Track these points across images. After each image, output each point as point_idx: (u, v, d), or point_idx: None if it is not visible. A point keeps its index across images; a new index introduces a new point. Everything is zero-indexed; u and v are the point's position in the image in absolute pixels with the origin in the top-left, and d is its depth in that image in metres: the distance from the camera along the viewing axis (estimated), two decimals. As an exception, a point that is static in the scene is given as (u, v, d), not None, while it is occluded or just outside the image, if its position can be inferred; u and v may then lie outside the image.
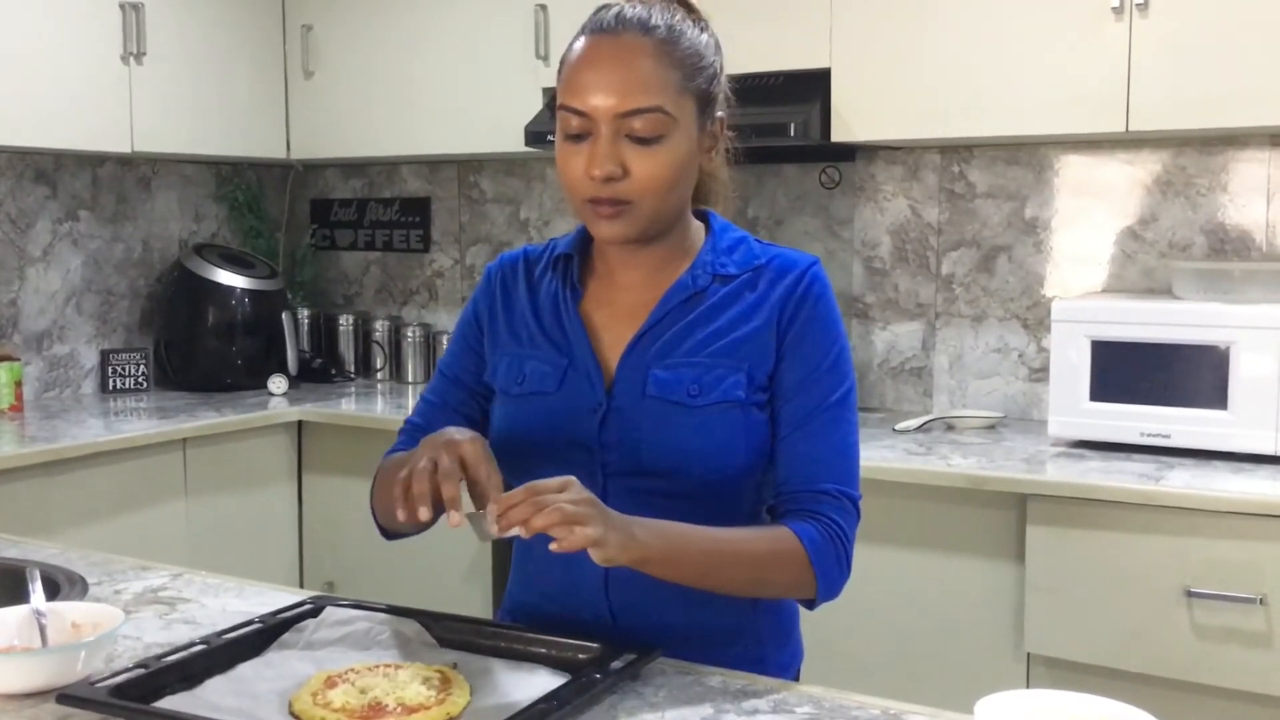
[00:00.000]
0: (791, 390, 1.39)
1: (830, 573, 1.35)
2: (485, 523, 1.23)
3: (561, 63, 1.39)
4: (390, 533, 1.49)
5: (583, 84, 1.34)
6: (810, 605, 1.40)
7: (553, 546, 1.20)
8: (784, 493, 1.39)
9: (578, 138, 1.35)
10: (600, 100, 1.32)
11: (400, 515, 1.25)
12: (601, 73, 1.33)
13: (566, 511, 1.19)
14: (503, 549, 3.10)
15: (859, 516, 1.40)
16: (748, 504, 1.44)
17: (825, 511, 1.36)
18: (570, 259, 1.48)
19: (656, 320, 1.42)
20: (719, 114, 1.42)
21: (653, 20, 1.36)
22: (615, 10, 1.38)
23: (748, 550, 1.33)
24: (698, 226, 1.48)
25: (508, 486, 1.25)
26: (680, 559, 1.30)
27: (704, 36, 1.40)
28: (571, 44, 1.39)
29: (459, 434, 1.28)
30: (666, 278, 1.44)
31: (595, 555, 1.22)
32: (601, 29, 1.36)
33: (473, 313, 1.55)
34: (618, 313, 1.45)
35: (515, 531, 1.21)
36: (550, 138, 1.59)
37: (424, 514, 1.24)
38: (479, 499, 1.26)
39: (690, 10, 1.42)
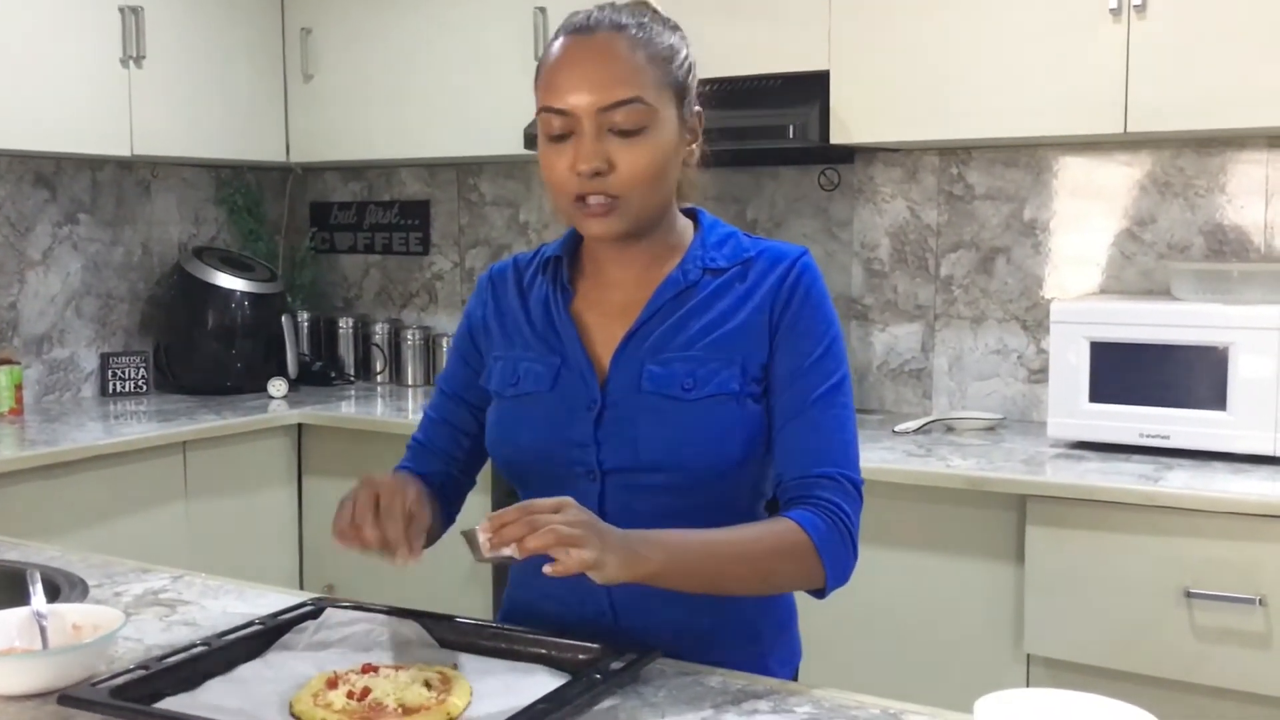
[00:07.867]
0: (786, 380, 1.39)
1: (838, 558, 1.35)
2: (479, 540, 1.21)
3: (539, 67, 1.41)
4: None
5: (561, 83, 1.36)
6: (820, 594, 1.38)
7: (547, 570, 1.19)
8: (784, 481, 1.39)
9: (560, 138, 1.37)
10: (580, 97, 1.34)
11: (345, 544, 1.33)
12: (579, 70, 1.36)
13: (561, 533, 1.18)
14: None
15: (862, 499, 1.39)
16: (745, 496, 1.45)
17: (826, 496, 1.36)
18: (559, 261, 1.49)
19: (649, 316, 1.43)
20: (696, 108, 1.44)
21: (623, 19, 1.39)
22: (586, 13, 1.41)
23: (752, 549, 1.33)
24: (685, 223, 1.49)
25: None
26: (684, 569, 1.29)
27: (673, 35, 1.42)
28: (547, 48, 1.41)
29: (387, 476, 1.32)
30: (656, 275, 1.45)
31: (595, 577, 1.21)
32: (575, 30, 1.39)
33: (467, 327, 1.57)
34: (609, 311, 1.46)
35: (508, 552, 1.19)
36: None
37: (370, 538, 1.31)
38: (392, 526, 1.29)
39: (655, 13, 1.45)
